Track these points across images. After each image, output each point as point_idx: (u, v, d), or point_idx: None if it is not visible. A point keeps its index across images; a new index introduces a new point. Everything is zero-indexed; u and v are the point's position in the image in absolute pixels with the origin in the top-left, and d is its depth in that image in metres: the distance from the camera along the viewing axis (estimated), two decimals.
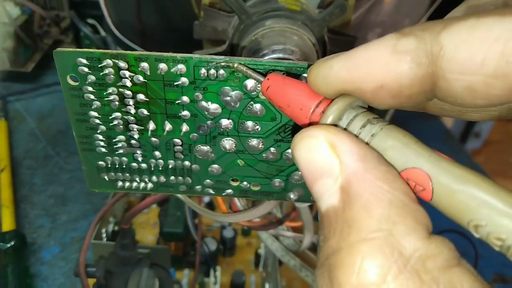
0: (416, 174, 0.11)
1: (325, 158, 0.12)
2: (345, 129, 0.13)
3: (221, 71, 0.17)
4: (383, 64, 0.12)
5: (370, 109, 0.13)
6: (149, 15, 0.50)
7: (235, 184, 0.20)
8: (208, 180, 0.20)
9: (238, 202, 0.26)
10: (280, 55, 0.22)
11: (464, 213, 0.10)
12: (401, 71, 0.11)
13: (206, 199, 0.45)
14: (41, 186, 0.48)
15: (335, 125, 0.13)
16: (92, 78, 0.17)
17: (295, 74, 0.16)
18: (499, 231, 0.10)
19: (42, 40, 0.63)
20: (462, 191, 0.10)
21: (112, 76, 0.17)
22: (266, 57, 0.22)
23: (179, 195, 0.24)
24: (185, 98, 0.17)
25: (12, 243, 0.39)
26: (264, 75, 0.16)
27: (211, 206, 0.46)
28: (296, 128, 0.18)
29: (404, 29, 0.12)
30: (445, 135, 0.67)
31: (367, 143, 0.12)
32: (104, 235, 0.40)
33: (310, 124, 0.14)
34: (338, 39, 0.27)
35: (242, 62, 0.16)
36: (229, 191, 0.21)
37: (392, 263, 0.10)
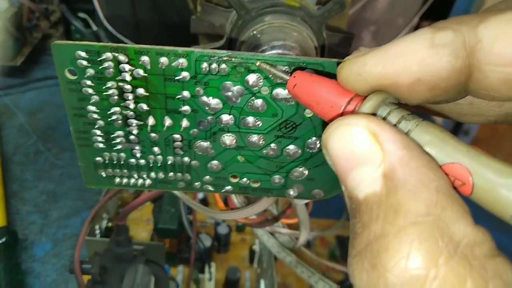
0: (455, 169, 0.11)
1: (365, 146, 0.11)
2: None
3: (223, 66, 0.16)
4: (420, 57, 0.12)
5: (401, 106, 0.13)
6: (143, 9, 0.50)
7: (234, 180, 0.20)
8: (207, 177, 0.20)
9: (235, 199, 0.26)
10: (280, 51, 0.22)
11: (507, 207, 0.10)
12: (440, 64, 0.12)
13: (200, 195, 0.45)
14: (32, 182, 0.48)
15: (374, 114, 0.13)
16: (91, 71, 0.17)
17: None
18: None
19: (31, 33, 0.62)
20: (504, 185, 0.10)
21: (111, 69, 0.17)
22: (266, 53, 0.22)
23: (176, 192, 0.24)
24: (186, 93, 0.17)
25: (4, 239, 0.38)
26: (286, 72, 0.16)
27: (205, 202, 0.45)
28: (296, 124, 0.18)
29: (436, 23, 0.12)
30: None
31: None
32: (97, 231, 0.40)
33: None
34: (335, 35, 0.27)
35: (268, 59, 0.16)
36: (229, 187, 0.20)
37: (443, 247, 0.10)
